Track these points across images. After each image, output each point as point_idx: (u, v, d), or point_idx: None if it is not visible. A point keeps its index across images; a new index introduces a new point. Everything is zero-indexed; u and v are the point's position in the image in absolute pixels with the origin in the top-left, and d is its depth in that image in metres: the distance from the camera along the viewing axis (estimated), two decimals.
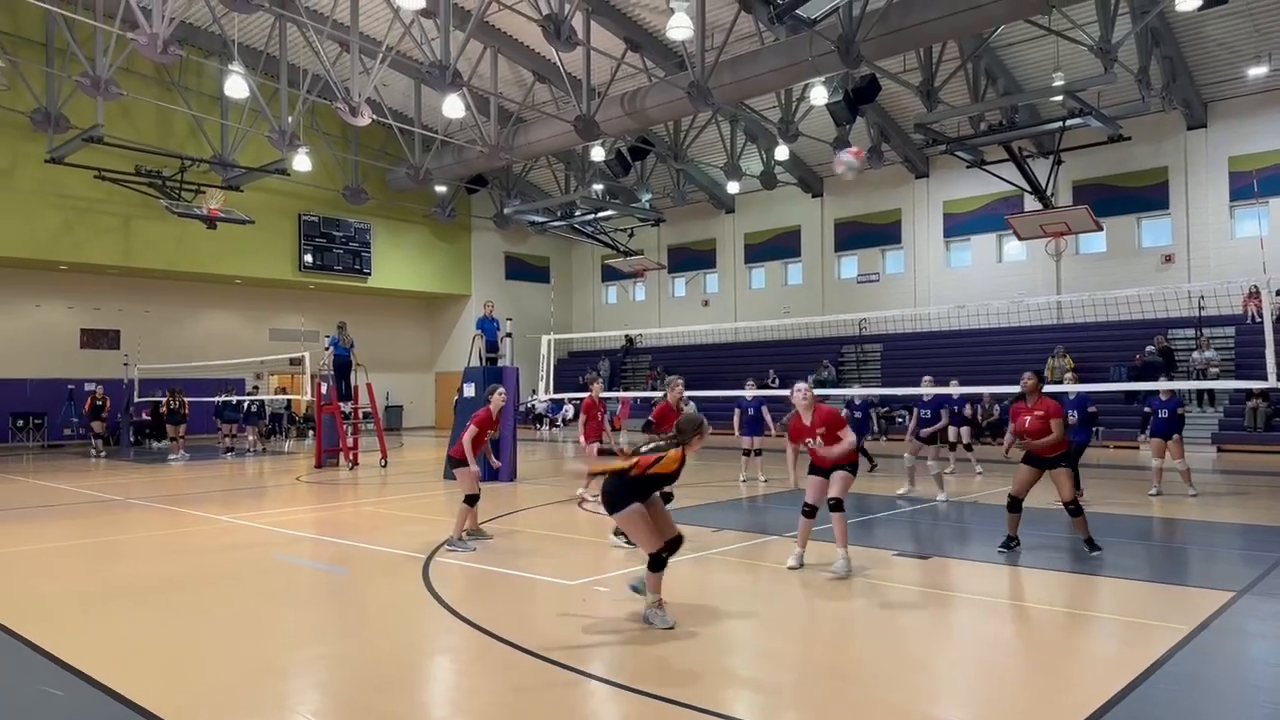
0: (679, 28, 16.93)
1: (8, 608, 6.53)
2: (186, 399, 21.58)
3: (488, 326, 16.46)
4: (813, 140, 24.00)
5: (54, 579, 7.79)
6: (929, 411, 12.22)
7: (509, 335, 16.61)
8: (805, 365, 27.38)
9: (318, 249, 28.93)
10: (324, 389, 17.89)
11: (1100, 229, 22.35)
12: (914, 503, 11.60)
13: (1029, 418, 7.90)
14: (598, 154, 25.78)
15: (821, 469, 7.28)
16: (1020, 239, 23.29)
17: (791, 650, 5.53)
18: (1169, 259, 23.53)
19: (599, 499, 5.93)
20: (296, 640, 5.80)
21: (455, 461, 8.79)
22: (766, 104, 23.70)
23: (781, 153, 25.98)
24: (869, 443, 16.24)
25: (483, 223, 32.42)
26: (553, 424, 31.36)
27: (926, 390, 12.35)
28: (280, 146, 20.46)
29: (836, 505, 7.12)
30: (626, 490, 5.71)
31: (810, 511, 7.37)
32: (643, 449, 5.82)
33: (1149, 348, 21.22)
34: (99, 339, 26.91)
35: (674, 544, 5.86)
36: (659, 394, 14.95)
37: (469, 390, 15.07)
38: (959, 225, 27.31)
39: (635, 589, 6.02)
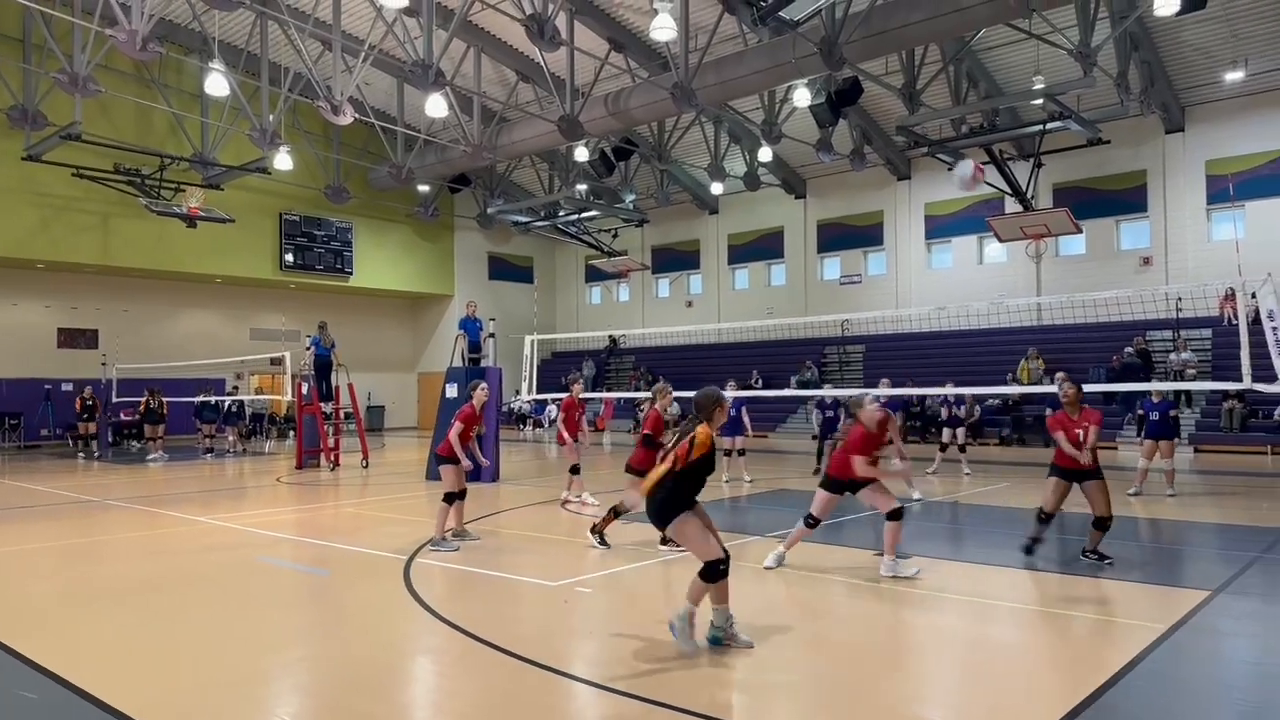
0: (662, 29, 16.92)
1: None
2: (165, 399, 21.40)
3: (470, 327, 16.40)
4: (796, 142, 24.09)
5: (29, 581, 7.71)
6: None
7: (492, 335, 16.59)
8: (788, 366, 27.50)
9: (299, 248, 28.75)
10: (305, 389, 17.79)
11: (1080, 231, 22.59)
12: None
13: (1079, 431, 7.52)
14: (581, 154, 25.76)
15: (840, 482, 7.28)
16: (1001, 241, 23.46)
17: (771, 651, 5.54)
18: (1147, 261, 23.78)
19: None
20: (276, 642, 5.77)
21: (441, 459, 8.78)
22: (750, 105, 23.76)
23: (765, 154, 26.06)
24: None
25: (466, 222, 32.30)
26: (537, 424, 31.30)
27: (884, 391, 12.48)
28: (261, 145, 20.30)
29: (895, 514, 7.12)
30: (673, 498, 5.32)
31: (814, 523, 7.42)
32: (668, 445, 5.50)
33: (1128, 349, 21.42)
34: (76, 338, 26.62)
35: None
36: (643, 394, 14.94)
37: (451, 391, 15.03)
38: (940, 227, 27.50)
39: (676, 628, 5.27)
